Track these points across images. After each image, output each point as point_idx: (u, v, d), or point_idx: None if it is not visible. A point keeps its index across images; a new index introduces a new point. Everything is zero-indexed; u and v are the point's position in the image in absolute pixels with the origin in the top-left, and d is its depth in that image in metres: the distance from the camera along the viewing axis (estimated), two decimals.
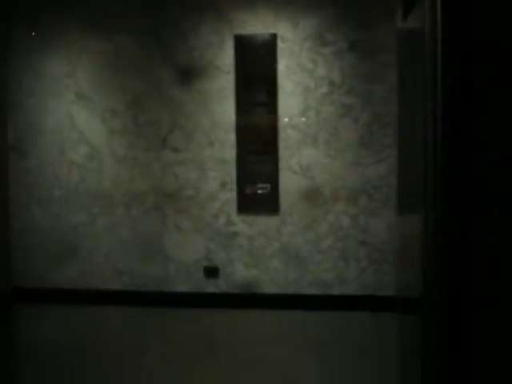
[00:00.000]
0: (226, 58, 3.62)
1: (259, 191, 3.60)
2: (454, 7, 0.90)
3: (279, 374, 2.50)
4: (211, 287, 3.68)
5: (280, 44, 3.57)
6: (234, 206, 3.64)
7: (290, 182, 3.60)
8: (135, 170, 3.74)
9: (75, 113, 3.81)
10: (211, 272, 3.67)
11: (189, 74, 3.66)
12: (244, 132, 3.61)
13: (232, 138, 3.63)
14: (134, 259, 3.75)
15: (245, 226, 3.64)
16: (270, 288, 3.65)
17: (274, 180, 3.60)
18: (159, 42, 3.68)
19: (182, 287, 3.70)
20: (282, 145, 3.59)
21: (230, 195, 3.64)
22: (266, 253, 3.65)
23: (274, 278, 3.65)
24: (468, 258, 0.87)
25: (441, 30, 0.91)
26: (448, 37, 0.86)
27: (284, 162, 3.60)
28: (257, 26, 3.60)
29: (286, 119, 3.58)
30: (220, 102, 3.65)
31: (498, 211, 0.80)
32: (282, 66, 3.58)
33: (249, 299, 3.63)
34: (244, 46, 3.58)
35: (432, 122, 0.99)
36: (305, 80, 3.57)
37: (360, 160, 3.54)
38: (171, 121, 3.69)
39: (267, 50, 3.57)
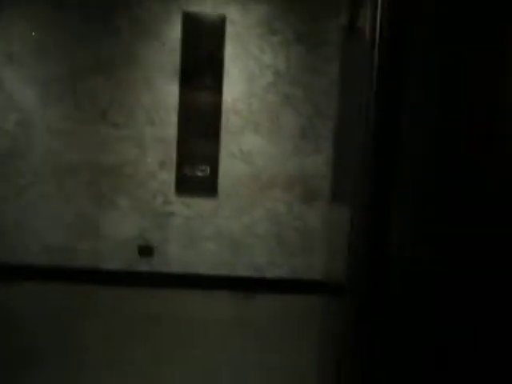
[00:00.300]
0: (173, 34, 3.54)
1: (198, 173, 3.61)
2: (393, 12, 0.96)
3: (207, 353, 2.59)
4: (145, 266, 3.67)
5: (229, 27, 3.55)
6: (172, 187, 3.63)
7: (229, 166, 3.65)
8: (70, 143, 3.59)
9: (6, 76, 3.56)
10: (145, 251, 3.66)
11: (131, 48, 3.54)
12: (186, 113, 3.58)
13: (174, 117, 3.59)
14: (65, 235, 3.64)
15: (182, 206, 3.65)
16: (203, 269, 3.71)
17: (214, 163, 3.62)
18: (103, 10, 3.51)
19: (115, 265, 3.66)
20: (224, 129, 3.61)
21: (169, 175, 3.62)
22: (202, 234, 3.69)
23: (209, 260, 3.71)
24: (386, 247, 0.96)
25: (379, 32, 0.97)
26: (386, 43, 0.92)
27: (225, 146, 3.63)
28: (206, 5, 3.54)
29: (230, 104, 3.60)
30: (163, 80, 3.58)
31: (410, 206, 0.89)
32: (230, 49, 3.57)
33: (182, 279, 3.67)
34: (192, 24, 3.52)
35: (363, 121, 1.05)
36: (251, 66, 3.59)
37: (299, 149, 3.66)
38: (111, 95, 3.57)
39: (216, 31, 3.54)
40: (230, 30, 3.56)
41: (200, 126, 3.59)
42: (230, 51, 3.57)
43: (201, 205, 3.66)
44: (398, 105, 0.95)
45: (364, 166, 1.02)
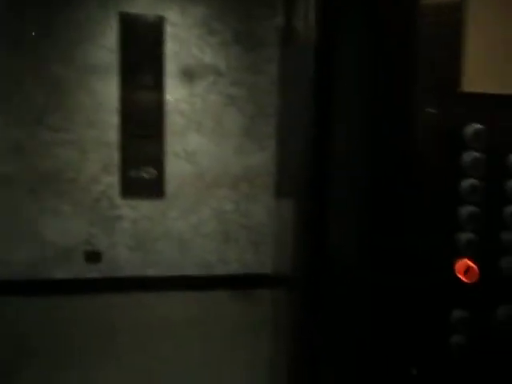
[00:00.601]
0: (111, 36, 3.47)
1: (144, 175, 3.59)
2: (325, 11, 1.02)
3: (162, 355, 2.61)
4: (93, 272, 3.59)
5: (168, 28, 3.54)
6: (117, 190, 3.58)
7: (175, 166, 3.66)
8: (7, 149, 3.42)
9: None
10: (93, 256, 3.58)
11: (68, 50, 3.43)
12: (129, 114, 3.54)
13: (115, 119, 3.53)
14: (2, 245, 3.47)
15: (128, 209, 3.61)
16: (153, 270, 3.69)
17: (159, 164, 3.62)
18: (37, 11, 3.37)
19: (60, 273, 3.54)
20: (167, 130, 3.61)
21: (113, 179, 3.56)
22: (150, 236, 3.68)
23: (158, 261, 3.70)
24: (326, 242, 1.05)
25: (315, 36, 1.03)
26: (320, 46, 0.99)
27: (169, 146, 3.63)
28: (144, 6, 3.51)
29: (172, 105, 3.60)
30: (103, 82, 3.51)
31: (346, 203, 0.98)
32: (170, 50, 3.57)
33: (132, 282, 3.64)
34: (130, 25, 3.48)
35: (305, 120, 1.13)
36: (192, 67, 3.61)
37: (242, 148, 3.74)
38: (49, 99, 3.44)
39: (154, 32, 3.52)
40: (169, 31, 3.55)
41: (143, 127, 3.57)
42: (171, 52, 3.57)
43: (148, 207, 3.64)
44: (330, 104, 1.03)
45: (304, 164, 1.09)
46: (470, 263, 0.75)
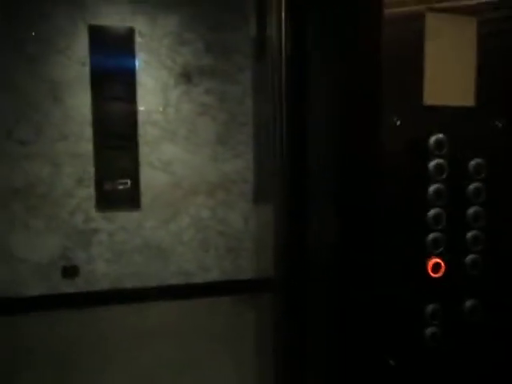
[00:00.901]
0: (81, 48, 3.45)
1: (119, 187, 3.57)
2: (295, 23, 1.07)
3: (143, 367, 2.61)
4: (70, 287, 3.54)
5: (138, 39, 3.55)
6: (92, 203, 3.54)
7: (150, 177, 3.65)
8: None
9: None
10: (69, 271, 3.53)
11: (37, 62, 3.39)
12: (101, 126, 3.52)
13: (88, 131, 3.51)
14: None
15: (105, 222, 3.58)
16: (132, 282, 3.67)
17: (134, 175, 3.61)
18: (5, 23, 3.31)
19: (36, 290, 3.47)
20: (141, 140, 3.61)
21: (88, 191, 3.53)
22: (128, 248, 3.66)
23: (137, 272, 3.68)
24: (305, 245, 1.10)
25: (285, 45, 1.07)
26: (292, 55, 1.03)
27: (144, 157, 3.63)
28: (113, 17, 3.51)
29: (145, 115, 3.60)
30: (74, 94, 3.48)
31: (320, 207, 1.03)
32: (141, 61, 3.58)
33: (111, 295, 3.60)
34: (100, 37, 3.47)
35: (278, 127, 1.19)
36: (164, 77, 3.63)
37: (217, 156, 3.78)
38: (17, 111, 3.39)
39: (125, 43, 3.53)
40: (139, 41, 3.56)
41: (117, 138, 3.55)
42: (142, 62, 3.57)
43: (124, 218, 3.62)
44: (304, 114, 1.09)
45: (280, 171, 1.15)
46: (438, 260, 0.82)
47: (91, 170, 3.51)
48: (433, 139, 0.79)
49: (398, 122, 0.77)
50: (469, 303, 0.84)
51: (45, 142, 3.45)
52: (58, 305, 3.47)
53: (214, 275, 3.82)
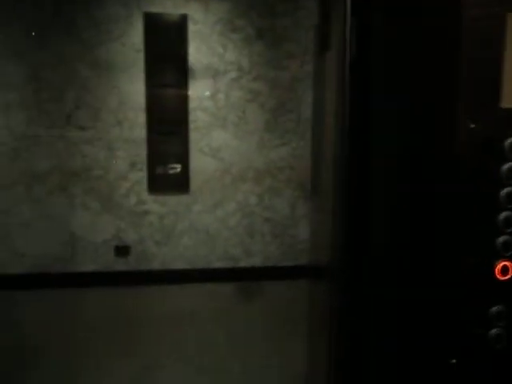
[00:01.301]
0: (136, 35, 3.55)
1: (170, 171, 3.69)
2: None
3: (194, 348, 2.72)
4: (122, 265, 3.73)
5: (191, 26, 3.61)
6: (144, 186, 3.69)
7: (200, 162, 3.74)
8: (36, 149, 3.55)
9: None
10: (122, 250, 3.71)
11: (93, 49, 3.53)
12: (154, 112, 3.63)
13: (141, 117, 3.63)
14: (38, 241, 3.62)
15: (155, 205, 3.72)
16: (180, 264, 3.81)
17: (184, 160, 3.71)
18: (62, 11, 3.46)
19: (91, 267, 3.69)
20: (192, 126, 3.70)
21: (141, 175, 3.67)
22: (177, 230, 3.79)
23: (184, 254, 3.81)
24: (367, 233, 1.11)
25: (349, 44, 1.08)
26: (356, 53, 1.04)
27: (194, 143, 3.72)
28: (166, 4, 3.58)
29: (197, 101, 3.68)
30: (129, 81, 3.60)
31: (384, 203, 1.04)
32: (193, 48, 3.64)
33: (160, 276, 3.76)
34: (154, 24, 3.55)
35: (339, 117, 1.19)
36: (215, 64, 3.68)
37: (265, 143, 3.81)
38: (76, 97, 3.55)
39: (178, 30, 3.59)
40: (192, 28, 3.61)
41: (169, 125, 3.65)
42: (194, 49, 3.63)
43: (174, 202, 3.75)
44: (368, 110, 1.09)
45: (342, 164, 1.15)
46: (507, 263, 0.82)
47: (144, 154, 3.65)
48: (508, 142, 0.77)
49: (473, 125, 0.76)
50: None
51: (102, 127, 3.61)
52: (112, 281, 3.67)
53: (258, 260, 3.89)
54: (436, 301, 0.87)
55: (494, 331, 0.83)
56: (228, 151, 3.77)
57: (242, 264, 3.88)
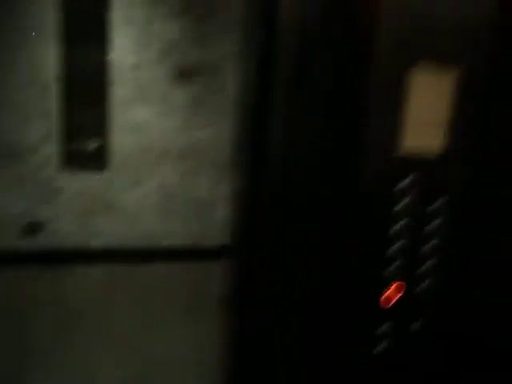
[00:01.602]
0: None
1: (87, 147, 3.50)
2: None
3: (101, 331, 2.71)
4: (31, 244, 3.52)
5: None
6: (57, 161, 3.47)
7: (120, 138, 3.60)
8: None
9: None
10: (31, 228, 3.50)
11: (3, 10, 3.17)
12: (70, 82, 3.39)
13: (55, 86, 3.37)
14: None
15: (70, 181, 3.53)
16: (95, 242, 3.69)
17: (103, 136, 3.54)
18: None
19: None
20: (113, 100, 3.52)
21: (54, 149, 3.44)
22: (92, 208, 3.65)
23: (100, 233, 3.70)
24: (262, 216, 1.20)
25: None
26: None
27: (114, 118, 3.55)
28: None
29: (119, 74, 3.49)
30: (39, 45, 3.30)
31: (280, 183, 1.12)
32: (117, 15, 3.42)
33: (73, 255, 3.62)
34: None
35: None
36: (140, 36, 3.50)
37: (189, 123, 3.75)
38: None
39: None
40: None
41: (86, 97, 3.44)
42: (118, 17, 3.41)
43: (90, 179, 3.58)
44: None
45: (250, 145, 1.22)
46: (397, 286, 0.94)
47: (58, 127, 3.41)
48: (402, 184, 0.88)
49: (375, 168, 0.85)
50: (415, 325, 0.97)
51: (9, 93, 3.29)
52: (19, 261, 3.46)
53: (178, 240, 3.90)
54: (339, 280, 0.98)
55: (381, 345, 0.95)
56: (150, 128, 3.66)
57: (164, 243, 3.86)
